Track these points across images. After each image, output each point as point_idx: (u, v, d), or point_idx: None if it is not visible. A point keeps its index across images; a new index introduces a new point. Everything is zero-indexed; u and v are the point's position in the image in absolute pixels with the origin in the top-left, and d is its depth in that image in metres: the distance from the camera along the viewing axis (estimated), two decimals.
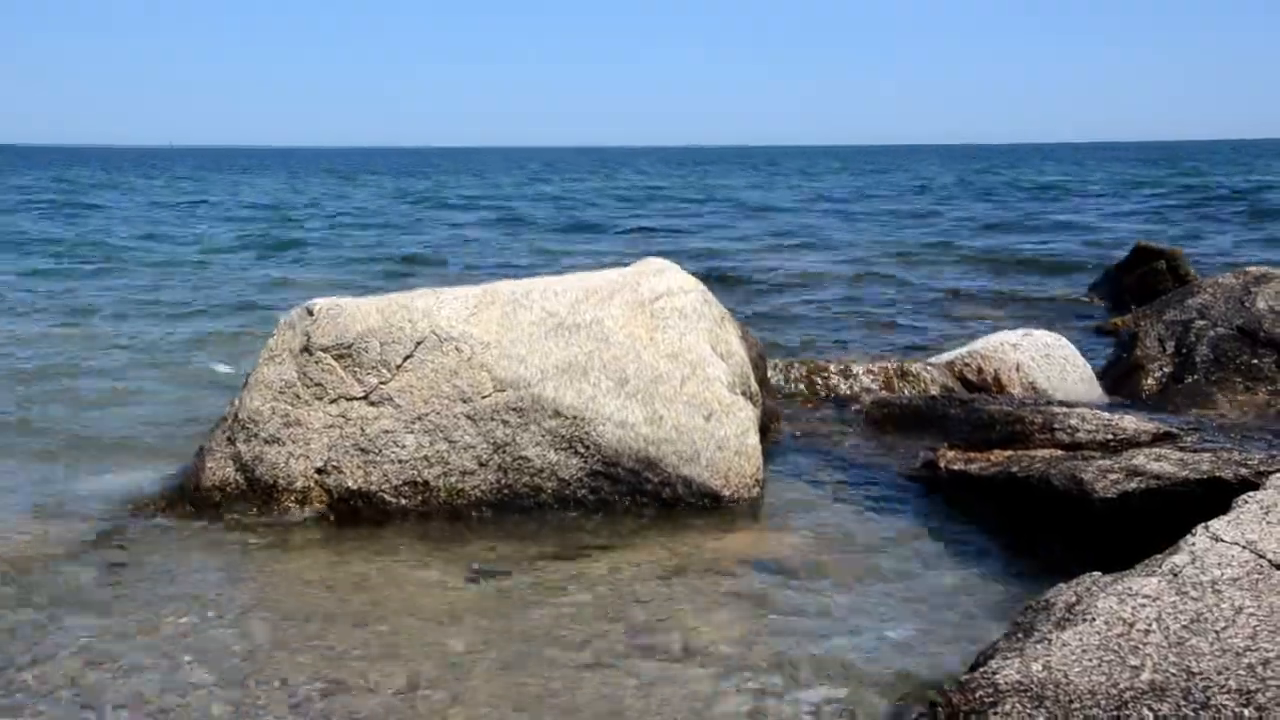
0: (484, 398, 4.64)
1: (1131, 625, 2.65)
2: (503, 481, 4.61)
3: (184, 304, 11.59)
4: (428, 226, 23.36)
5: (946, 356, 6.96)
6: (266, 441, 4.69)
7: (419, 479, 4.60)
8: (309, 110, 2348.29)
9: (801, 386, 6.57)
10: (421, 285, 5.49)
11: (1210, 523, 3.07)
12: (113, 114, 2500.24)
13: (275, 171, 64.44)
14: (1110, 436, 4.69)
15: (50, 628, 3.62)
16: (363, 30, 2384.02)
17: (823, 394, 6.50)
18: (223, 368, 8.06)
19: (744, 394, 4.97)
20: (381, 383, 4.69)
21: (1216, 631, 2.59)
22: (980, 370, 6.61)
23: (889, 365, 6.69)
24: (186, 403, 6.94)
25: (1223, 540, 2.96)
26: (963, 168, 60.64)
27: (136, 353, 8.79)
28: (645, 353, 4.81)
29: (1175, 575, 2.83)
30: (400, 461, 4.61)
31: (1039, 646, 2.64)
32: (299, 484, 4.62)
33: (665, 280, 5.14)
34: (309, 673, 3.31)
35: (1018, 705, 2.47)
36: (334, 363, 4.75)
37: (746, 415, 4.85)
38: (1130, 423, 4.79)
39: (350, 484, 4.60)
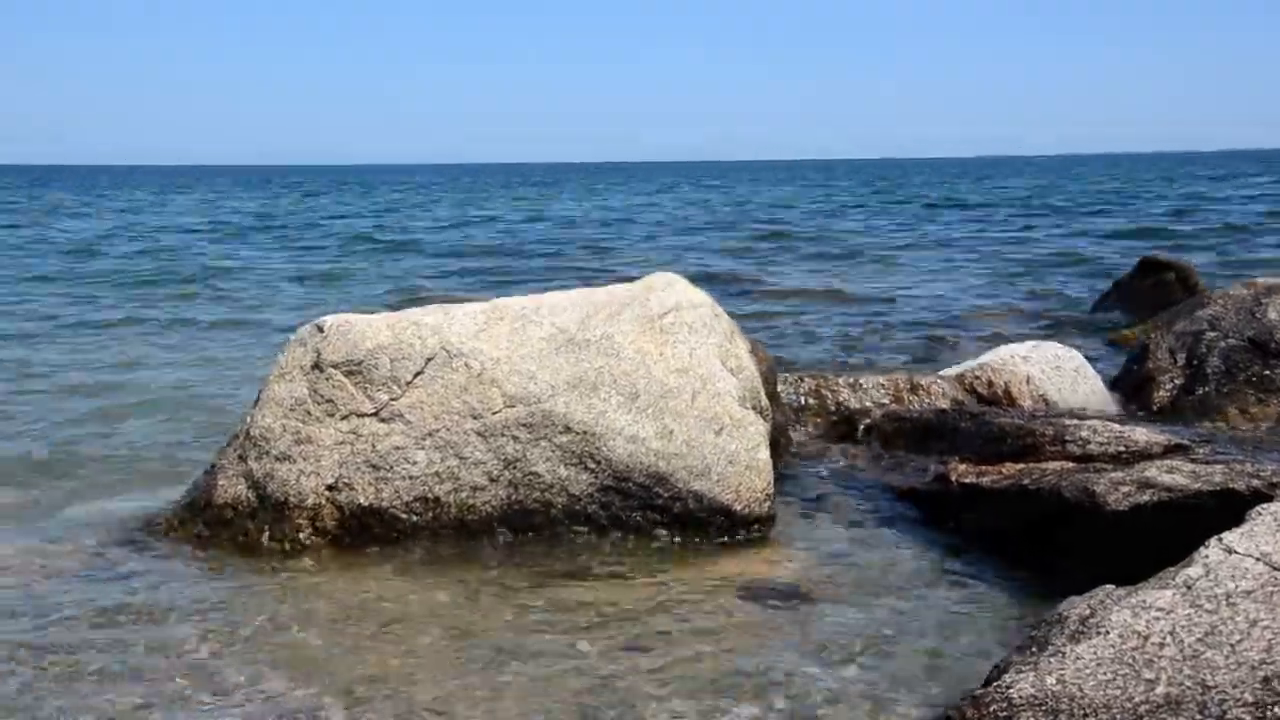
0: (494, 414, 4.64)
1: (1146, 638, 2.65)
2: (513, 497, 4.61)
3: None
4: None
5: (956, 369, 6.95)
6: (278, 459, 4.70)
7: (430, 495, 4.60)
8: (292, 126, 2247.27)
9: (811, 400, 6.56)
10: None
11: (1224, 535, 3.06)
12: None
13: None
14: (1122, 449, 4.67)
15: (61, 648, 3.62)
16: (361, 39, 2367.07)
17: (832, 408, 6.50)
18: None
19: (754, 408, 4.97)
20: (392, 399, 4.69)
21: (1231, 644, 2.58)
22: (990, 383, 6.60)
23: (898, 379, 6.68)
24: None
25: (1236, 552, 2.95)
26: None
27: None
28: (655, 368, 4.81)
29: (1189, 588, 2.82)
30: (411, 478, 4.61)
31: (1053, 660, 2.64)
32: (310, 501, 4.63)
33: (674, 295, 5.15)
34: (319, 693, 3.31)
35: (1032, 719, 2.46)
36: (344, 379, 4.76)
37: (757, 430, 4.85)
38: (1142, 435, 4.78)
39: (361, 501, 4.60)
